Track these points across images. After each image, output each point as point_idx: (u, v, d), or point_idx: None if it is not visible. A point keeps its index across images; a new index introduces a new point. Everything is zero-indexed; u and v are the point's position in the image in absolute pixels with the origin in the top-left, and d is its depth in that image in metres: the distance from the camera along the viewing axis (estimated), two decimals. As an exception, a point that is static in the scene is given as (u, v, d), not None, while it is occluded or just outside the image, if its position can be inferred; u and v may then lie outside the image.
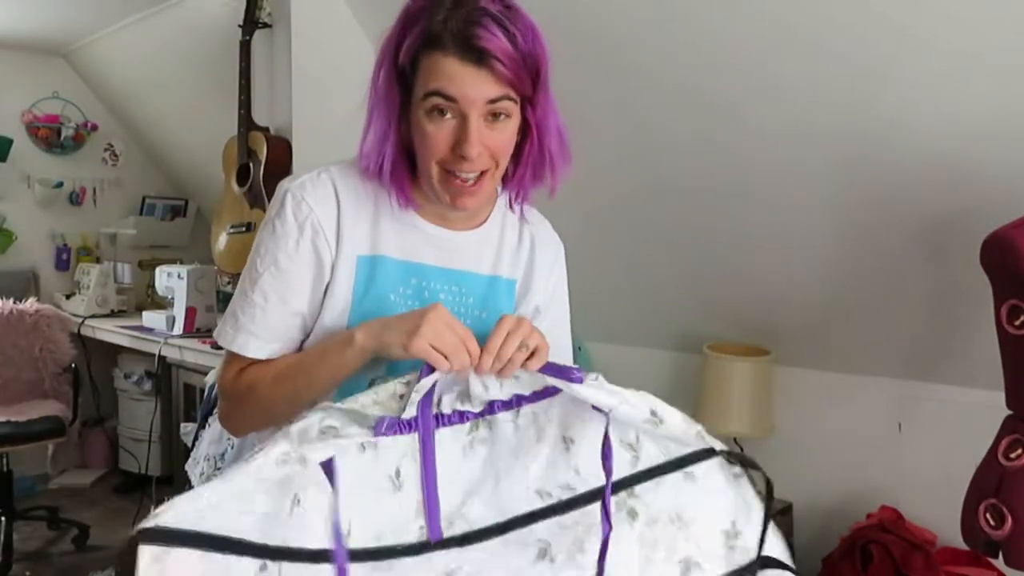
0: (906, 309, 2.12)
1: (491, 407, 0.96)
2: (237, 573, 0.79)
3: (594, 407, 0.94)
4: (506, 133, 0.99)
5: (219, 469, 2.29)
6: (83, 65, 4.08)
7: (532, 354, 0.92)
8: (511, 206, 1.15)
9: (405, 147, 1.04)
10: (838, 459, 2.40)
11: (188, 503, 0.77)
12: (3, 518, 3.21)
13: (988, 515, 1.48)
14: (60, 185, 4.09)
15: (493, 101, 0.96)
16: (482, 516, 0.94)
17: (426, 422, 0.92)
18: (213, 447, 2.29)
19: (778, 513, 2.38)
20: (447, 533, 0.91)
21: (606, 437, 0.93)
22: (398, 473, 0.91)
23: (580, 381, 0.91)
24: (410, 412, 0.91)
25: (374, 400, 0.89)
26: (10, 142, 3.87)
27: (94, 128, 4.19)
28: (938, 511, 2.11)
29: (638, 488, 0.98)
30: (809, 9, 1.73)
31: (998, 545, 1.49)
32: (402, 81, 1.00)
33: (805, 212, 2.11)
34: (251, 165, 2.71)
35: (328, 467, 0.84)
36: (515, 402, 0.96)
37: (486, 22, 0.92)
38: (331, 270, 1.04)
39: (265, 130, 2.73)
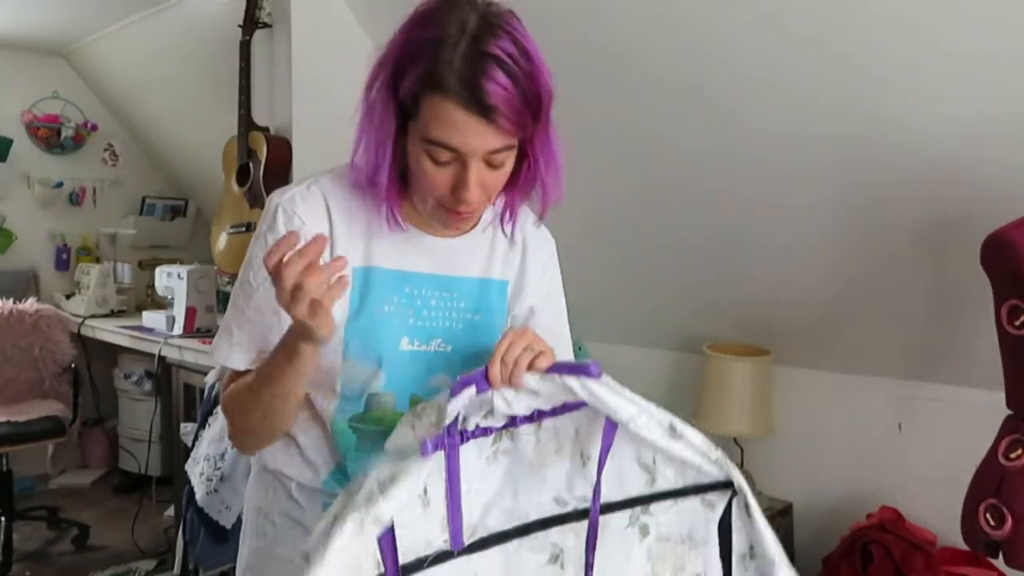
0: (906, 309, 2.12)
1: (513, 421, 0.96)
2: None
3: (608, 420, 0.93)
4: (503, 171, 0.99)
5: (219, 469, 2.30)
6: (83, 65, 4.08)
7: (539, 355, 0.91)
8: (502, 223, 1.14)
9: (399, 164, 1.02)
10: (838, 459, 2.40)
11: None
12: (3, 518, 3.21)
13: (988, 515, 1.48)
14: (60, 185, 4.09)
15: (494, 151, 0.95)
16: (500, 524, 0.95)
17: (451, 439, 0.92)
18: (213, 447, 2.30)
19: (778, 513, 2.38)
20: (468, 542, 0.93)
21: (603, 452, 0.94)
22: (425, 491, 0.91)
23: (598, 376, 0.90)
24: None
25: (413, 427, 0.89)
26: (10, 142, 3.87)
27: (94, 128, 4.19)
28: (938, 511, 2.10)
29: (653, 506, 0.99)
30: (810, 9, 1.73)
31: (998, 545, 1.49)
32: (399, 110, 0.97)
33: (805, 212, 2.11)
34: (251, 165, 2.71)
35: None
36: (536, 416, 0.96)
37: (495, 73, 0.89)
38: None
39: (265, 130, 2.73)
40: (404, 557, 0.89)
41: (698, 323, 2.65)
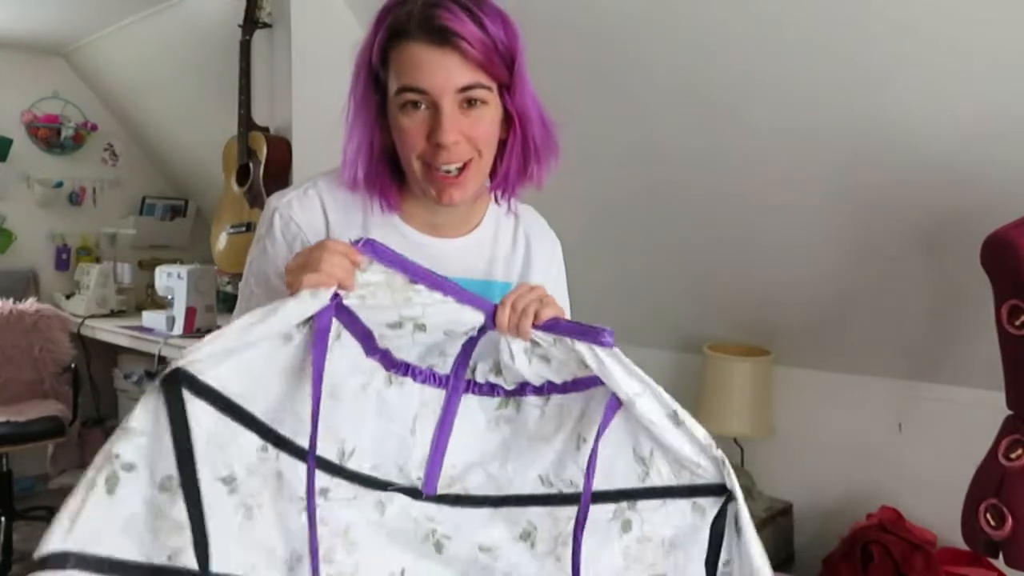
0: (906, 309, 2.12)
1: (522, 389, 0.95)
2: (242, 444, 0.81)
3: (610, 400, 0.90)
4: (484, 121, 0.97)
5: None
6: (83, 65, 4.08)
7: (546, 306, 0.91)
8: (497, 201, 1.13)
9: (388, 152, 1.02)
10: (838, 459, 2.40)
11: (220, 358, 0.78)
12: (3, 518, 3.21)
13: (988, 515, 1.48)
14: (60, 185, 4.09)
15: (465, 89, 0.94)
16: (480, 486, 0.94)
17: (456, 383, 0.92)
18: (213, 447, 2.30)
19: (778, 513, 2.38)
20: (441, 491, 0.92)
21: (599, 431, 0.90)
22: (415, 419, 0.91)
23: (610, 345, 0.88)
24: (444, 369, 0.91)
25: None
26: (10, 142, 3.86)
27: (94, 128, 4.18)
28: (938, 511, 2.10)
29: (641, 503, 0.94)
30: (810, 9, 1.73)
31: (998, 545, 1.49)
32: (378, 84, 0.98)
33: (805, 212, 2.11)
34: (251, 165, 2.71)
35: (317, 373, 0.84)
36: (546, 389, 0.95)
37: (449, 5, 0.92)
38: None
39: (265, 130, 2.73)
40: (371, 470, 0.89)
41: (698, 323, 2.65)
